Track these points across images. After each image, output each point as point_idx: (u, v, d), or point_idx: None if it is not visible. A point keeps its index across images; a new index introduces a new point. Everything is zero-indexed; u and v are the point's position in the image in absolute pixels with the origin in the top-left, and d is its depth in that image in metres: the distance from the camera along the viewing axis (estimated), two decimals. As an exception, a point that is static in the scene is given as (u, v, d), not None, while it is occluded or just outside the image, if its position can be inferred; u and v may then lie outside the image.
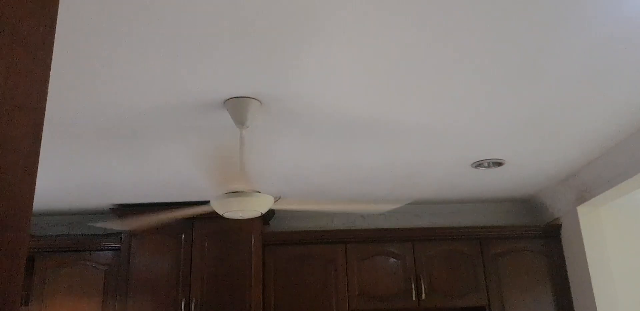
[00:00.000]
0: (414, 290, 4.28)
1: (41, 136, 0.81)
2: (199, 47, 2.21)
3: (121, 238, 4.27)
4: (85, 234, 4.61)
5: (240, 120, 2.64)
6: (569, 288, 4.31)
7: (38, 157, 0.82)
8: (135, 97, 2.62)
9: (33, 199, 0.81)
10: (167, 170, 3.65)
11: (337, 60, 2.34)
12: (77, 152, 3.28)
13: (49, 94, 2.53)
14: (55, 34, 2.05)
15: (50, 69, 0.88)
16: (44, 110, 0.83)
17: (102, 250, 4.28)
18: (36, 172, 0.80)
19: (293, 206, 3.12)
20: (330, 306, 4.21)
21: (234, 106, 2.64)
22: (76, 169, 3.58)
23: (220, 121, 2.90)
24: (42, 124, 0.83)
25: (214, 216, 3.14)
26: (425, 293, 4.27)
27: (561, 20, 2.12)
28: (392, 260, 4.37)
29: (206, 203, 2.77)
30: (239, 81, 2.48)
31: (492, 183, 4.26)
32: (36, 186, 3.55)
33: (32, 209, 0.81)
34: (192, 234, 4.26)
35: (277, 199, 2.74)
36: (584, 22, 2.14)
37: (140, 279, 4.14)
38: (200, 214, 4.21)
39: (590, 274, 4.02)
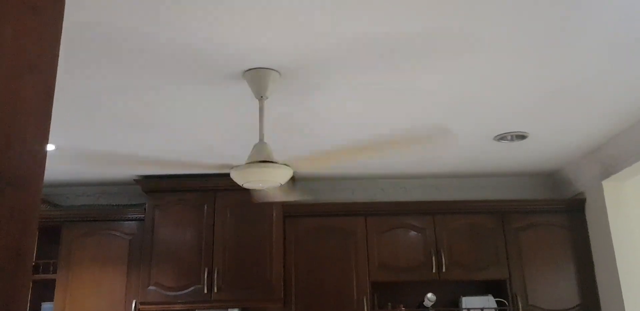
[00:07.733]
0: (434, 262, 4.29)
1: (53, 97, 0.82)
2: (220, 16, 2.20)
3: (145, 208, 4.34)
4: (110, 205, 4.70)
5: (259, 91, 2.64)
6: (592, 263, 4.28)
7: (50, 117, 0.84)
8: (156, 68, 2.62)
9: (45, 159, 0.82)
10: (188, 142, 3.68)
11: (358, 30, 2.31)
12: (101, 123, 3.32)
13: (68, 68, 2.55)
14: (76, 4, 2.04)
15: (61, 31, 0.88)
16: (55, 71, 0.83)
17: (127, 220, 4.36)
18: (48, 132, 0.82)
19: (311, 164, 2.97)
20: (351, 277, 4.25)
21: (253, 77, 2.64)
22: (101, 141, 3.63)
23: (240, 92, 2.90)
24: (54, 85, 0.84)
25: (236, 187, 3.16)
26: (445, 266, 4.28)
27: (587, -13, 2.06)
28: (413, 232, 4.37)
29: (228, 174, 2.78)
30: (258, 51, 2.47)
31: (515, 156, 4.21)
32: (62, 158, 3.57)
33: (44, 170, 0.82)
34: (214, 205, 4.32)
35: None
36: (611, -11, 2.08)
37: (163, 248, 4.22)
38: (223, 186, 4.28)
39: (615, 249, 3.98)
